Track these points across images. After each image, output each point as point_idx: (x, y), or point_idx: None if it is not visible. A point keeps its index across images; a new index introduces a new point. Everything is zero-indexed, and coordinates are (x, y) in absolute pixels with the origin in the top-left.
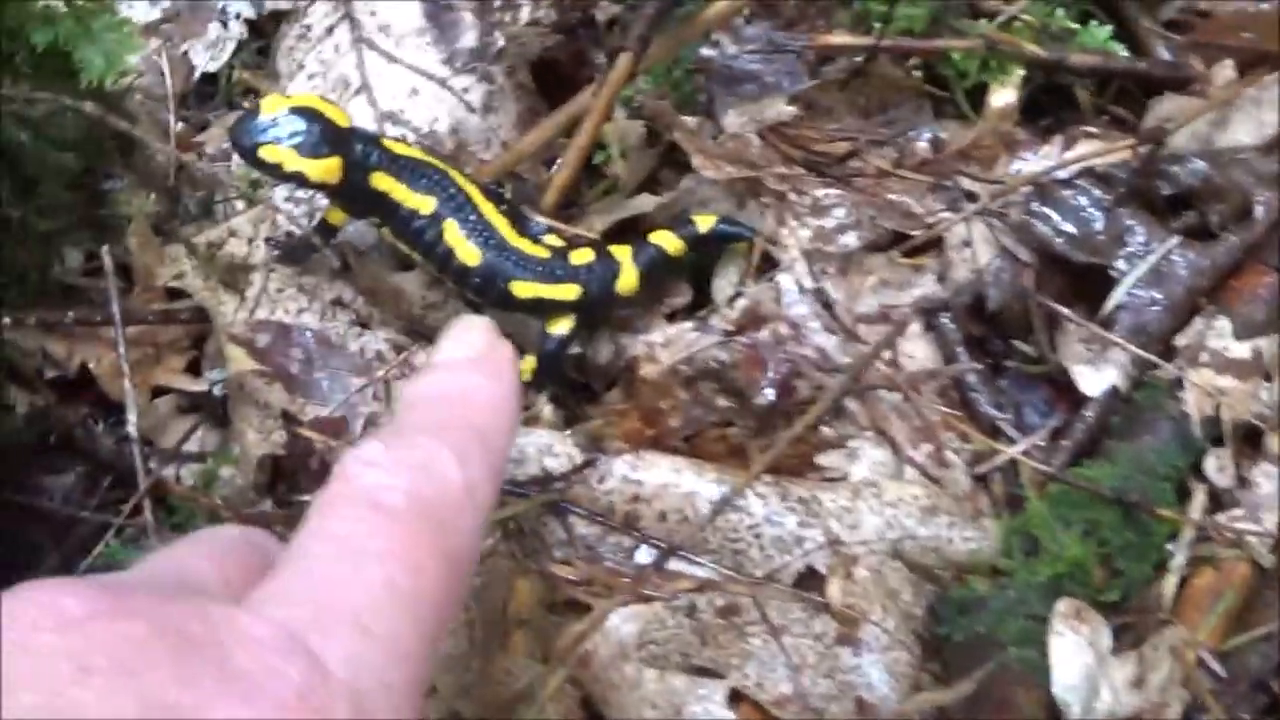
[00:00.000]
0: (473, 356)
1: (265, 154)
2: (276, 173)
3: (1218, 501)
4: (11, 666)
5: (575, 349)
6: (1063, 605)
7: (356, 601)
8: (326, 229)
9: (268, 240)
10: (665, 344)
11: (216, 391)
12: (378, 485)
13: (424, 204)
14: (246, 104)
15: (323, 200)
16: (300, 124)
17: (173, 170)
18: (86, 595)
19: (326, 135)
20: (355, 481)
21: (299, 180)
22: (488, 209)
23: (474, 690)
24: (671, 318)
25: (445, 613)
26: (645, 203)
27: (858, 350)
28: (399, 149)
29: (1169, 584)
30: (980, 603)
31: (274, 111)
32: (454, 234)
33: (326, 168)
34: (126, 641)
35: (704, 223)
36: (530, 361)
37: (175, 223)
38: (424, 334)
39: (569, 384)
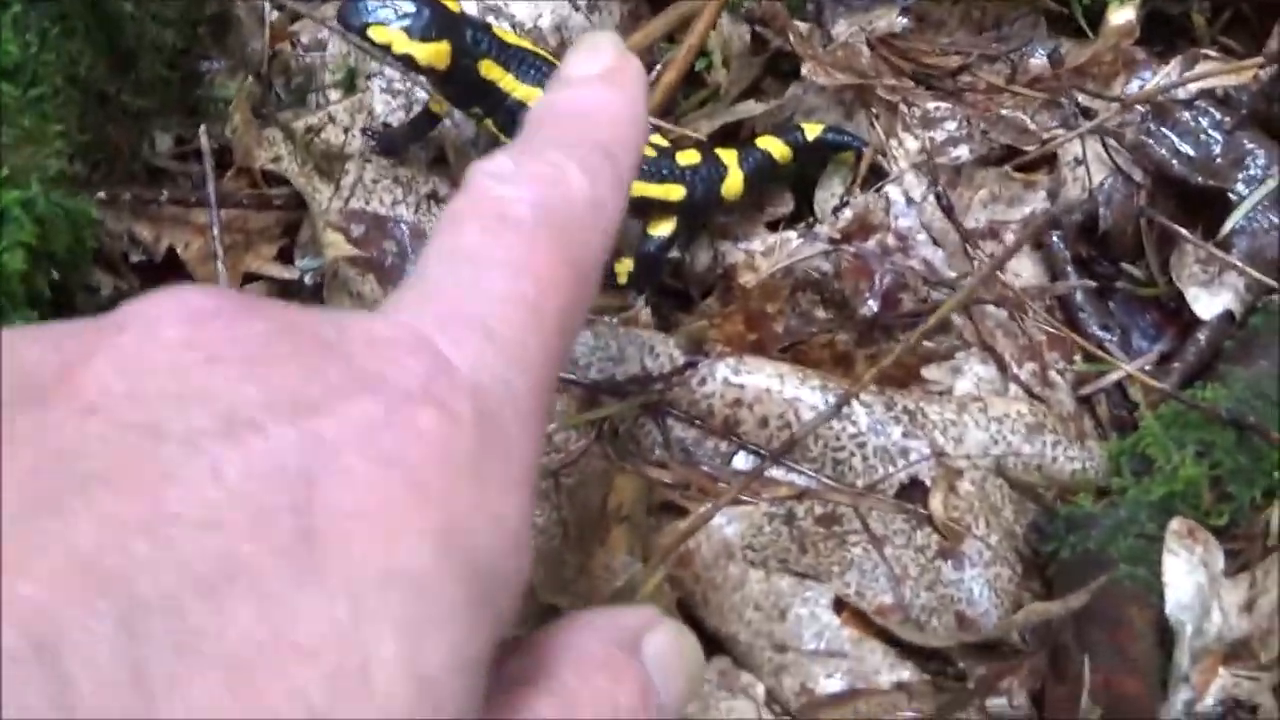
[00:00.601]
0: (601, 71)
1: (375, 34)
2: (386, 54)
3: None
4: (142, 355)
5: (674, 254)
6: (1177, 524)
7: (483, 309)
8: (429, 118)
9: (364, 130)
10: (766, 252)
11: (308, 280)
12: (504, 198)
13: (532, 95)
14: None
15: (421, 93)
16: (411, 6)
17: (266, 58)
18: (216, 295)
19: (437, 19)
20: (482, 195)
21: (407, 63)
22: None
23: (571, 585)
24: (773, 226)
25: (570, 322)
26: (752, 108)
27: (964, 265)
28: (510, 38)
29: (1278, 511)
30: (1090, 520)
31: None
32: None
33: (436, 51)
34: (255, 336)
35: (811, 130)
36: (628, 264)
37: (270, 107)
38: None
39: (665, 290)
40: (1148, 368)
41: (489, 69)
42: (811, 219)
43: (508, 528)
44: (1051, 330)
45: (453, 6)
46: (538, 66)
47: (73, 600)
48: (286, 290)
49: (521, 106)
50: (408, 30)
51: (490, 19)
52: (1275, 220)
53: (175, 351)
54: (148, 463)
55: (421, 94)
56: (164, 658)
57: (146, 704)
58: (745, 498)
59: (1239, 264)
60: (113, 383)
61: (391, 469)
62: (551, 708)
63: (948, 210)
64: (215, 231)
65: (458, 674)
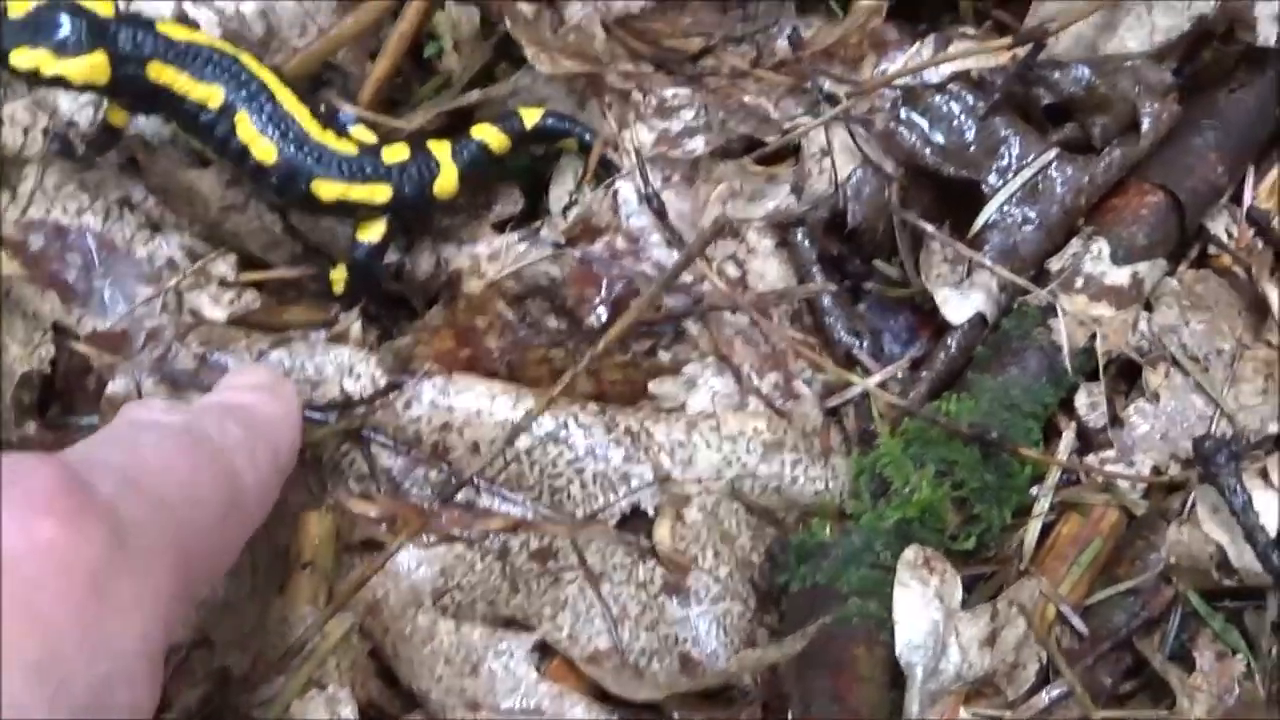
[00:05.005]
0: (256, 383)
1: (18, 59)
2: (36, 79)
3: (1088, 442)
4: None
5: (394, 258)
6: (910, 553)
7: (132, 459)
8: (109, 131)
9: (47, 132)
10: (491, 256)
11: None
12: (160, 407)
13: (211, 95)
14: None
15: None
16: (54, 19)
17: None
18: None
19: (86, 28)
20: (135, 408)
21: (62, 84)
22: (286, 98)
23: (249, 640)
24: (501, 228)
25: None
26: (471, 96)
27: (699, 268)
28: (178, 33)
29: (1031, 532)
30: (822, 549)
31: (23, 9)
32: (247, 128)
33: (91, 65)
34: None
35: (530, 116)
36: (342, 271)
37: None
38: (222, 240)
39: (386, 298)
40: (899, 374)
41: (158, 72)
42: (545, 217)
43: (125, 656)
44: (796, 337)
45: (104, 10)
46: (216, 62)
47: None
48: None
49: (201, 109)
50: (54, 49)
51: (186, 5)
52: (1030, 214)
53: None
54: None
55: None
56: None
57: None
58: (458, 531)
59: (989, 263)
60: None
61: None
62: None
63: (660, 214)
64: None
65: None
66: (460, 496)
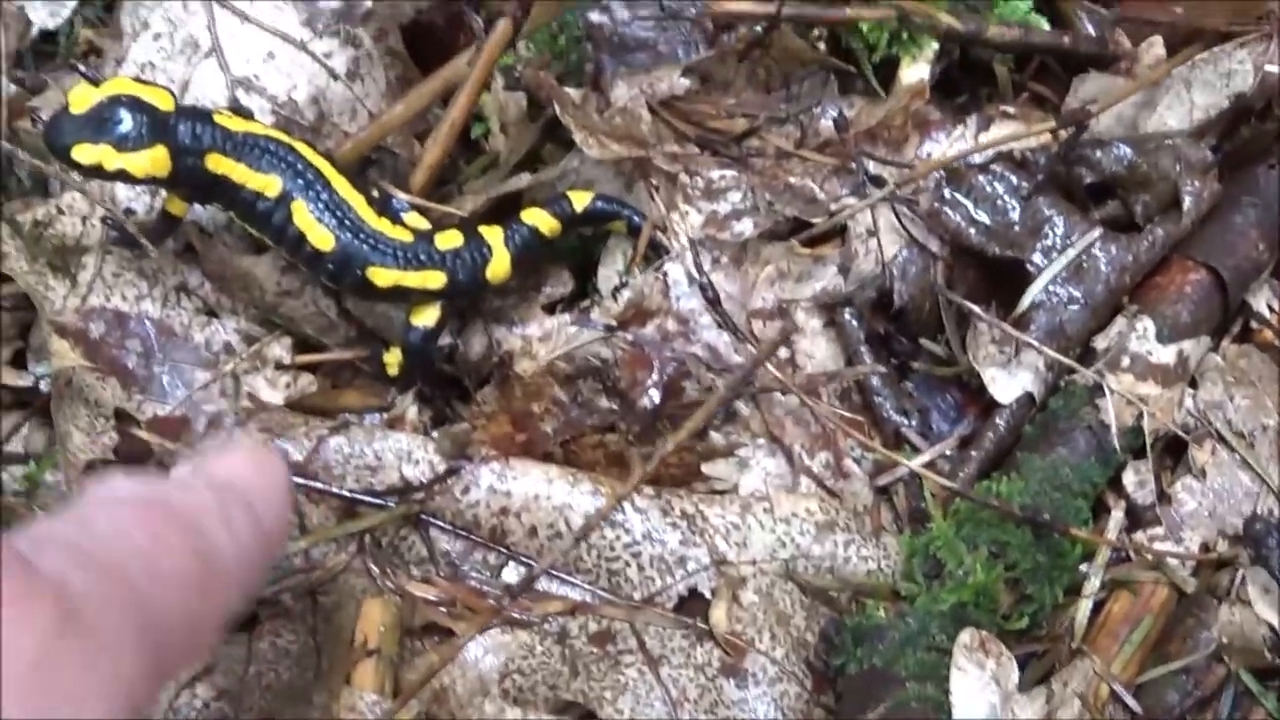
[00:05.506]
0: (235, 453)
1: (80, 155)
2: (98, 173)
3: (1136, 519)
4: None
5: (446, 340)
6: (966, 636)
7: (82, 534)
8: (168, 220)
9: (104, 220)
10: (543, 338)
11: (44, 387)
12: (123, 482)
13: (268, 184)
14: (82, 66)
15: None
16: (115, 114)
17: (2, 137)
18: None
19: (147, 122)
20: (95, 485)
21: (124, 178)
22: (342, 186)
23: None
24: (551, 309)
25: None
26: (522, 180)
27: (750, 349)
28: (235, 124)
29: (1082, 610)
30: (878, 632)
31: (84, 105)
32: (304, 216)
33: (152, 159)
34: None
35: (579, 200)
36: (396, 355)
37: (1, 196)
38: (278, 324)
39: (439, 380)
40: (947, 452)
41: (217, 163)
42: (594, 298)
43: None
44: (846, 417)
45: (163, 104)
46: (273, 151)
47: None
48: (21, 399)
49: (259, 197)
50: (115, 143)
51: (239, 93)
52: (1075, 294)
53: None
54: None
55: None
56: None
57: None
58: (517, 615)
59: (1036, 343)
60: None
61: None
62: None
63: (714, 302)
64: None
65: None
66: (516, 580)
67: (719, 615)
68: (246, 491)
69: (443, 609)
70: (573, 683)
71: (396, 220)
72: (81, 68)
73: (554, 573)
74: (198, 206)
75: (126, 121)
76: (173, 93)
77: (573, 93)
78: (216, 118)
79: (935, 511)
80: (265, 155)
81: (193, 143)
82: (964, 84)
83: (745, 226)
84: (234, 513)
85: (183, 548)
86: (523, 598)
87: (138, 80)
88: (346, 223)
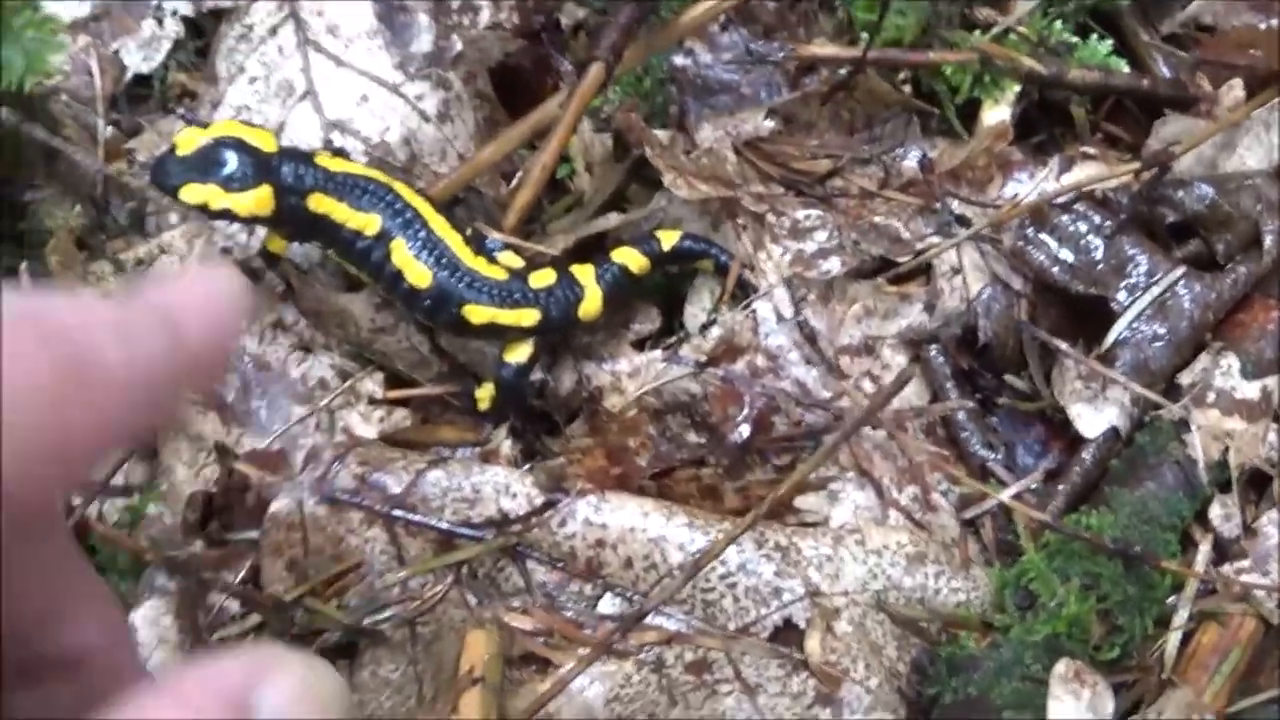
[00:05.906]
0: (188, 277)
1: (187, 195)
2: (204, 212)
3: (1223, 552)
4: None
5: (537, 376)
6: (1062, 666)
7: None
8: (268, 258)
9: (203, 260)
10: (632, 374)
11: None
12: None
13: (368, 223)
14: (180, 109)
15: None
16: (221, 155)
17: (100, 180)
18: None
19: (251, 163)
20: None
21: (229, 217)
22: (439, 225)
23: None
24: (639, 345)
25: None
26: (610, 220)
27: (838, 385)
28: (335, 165)
29: (1171, 642)
30: (972, 661)
31: (191, 146)
32: (402, 254)
33: (257, 199)
34: None
35: (667, 239)
36: (488, 389)
37: (102, 236)
38: (372, 360)
39: (530, 414)
40: (1034, 486)
41: (319, 203)
42: (681, 334)
43: None
44: (933, 451)
45: (267, 145)
46: (372, 192)
47: None
48: None
49: (359, 236)
50: (222, 184)
51: (334, 134)
52: (1159, 331)
53: None
54: None
55: None
56: None
57: None
58: (615, 645)
59: (1122, 379)
60: None
61: None
62: None
63: (811, 339)
64: None
65: None
66: (614, 610)
67: (814, 645)
68: (170, 308)
69: (540, 639)
70: (671, 711)
71: (491, 259)
72: (183, 111)
73: (650, 603)
74: (294, 245)
75: (232, 163)
76: (275, 135)
77: (660, 134)
78: (317, 159)
79: (1027, 544)
80: (365, 195)
81: (296, 183)
82: (1041, 124)
83: (832, 265)
84: (139, 329)
85: (36, 356)
86: (618, 626)
87: (243, 122)
88: (443, 261)
